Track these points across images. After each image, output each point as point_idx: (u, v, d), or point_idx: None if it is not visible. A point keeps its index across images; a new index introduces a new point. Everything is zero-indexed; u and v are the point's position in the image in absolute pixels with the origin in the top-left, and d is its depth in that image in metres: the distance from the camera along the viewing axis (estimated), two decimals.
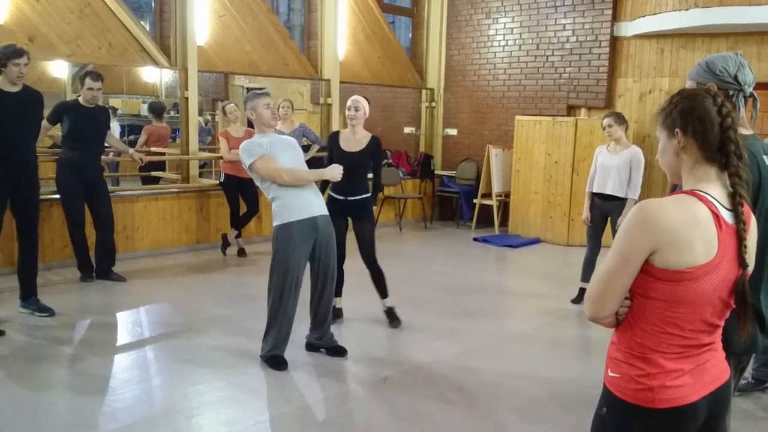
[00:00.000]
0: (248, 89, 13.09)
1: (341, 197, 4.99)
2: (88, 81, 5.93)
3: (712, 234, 1.63)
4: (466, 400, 3.96)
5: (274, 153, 4.18)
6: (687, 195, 1.68)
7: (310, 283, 4.46)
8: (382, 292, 5.18)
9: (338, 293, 5.24)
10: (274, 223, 4.25)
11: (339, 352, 4.61)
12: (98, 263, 6.35)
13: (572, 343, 5.34)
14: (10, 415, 3.59)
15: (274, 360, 4.33)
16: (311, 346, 4.65)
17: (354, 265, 5.26)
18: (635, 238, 1.63)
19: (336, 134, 5.11)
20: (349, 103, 4.99)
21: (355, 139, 4.99)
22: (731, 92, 2.32)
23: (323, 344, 4.63)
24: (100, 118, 6.13)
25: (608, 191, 5.78)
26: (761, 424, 3.81)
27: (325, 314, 4.54)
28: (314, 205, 4.28)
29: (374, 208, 5.30)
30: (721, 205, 1.67)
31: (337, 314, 5.21)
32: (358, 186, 4.99)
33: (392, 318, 5.22)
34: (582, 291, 6.03)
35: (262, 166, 4.15)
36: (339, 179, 4.46)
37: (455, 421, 3.69)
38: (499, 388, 4.15)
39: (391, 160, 10.57)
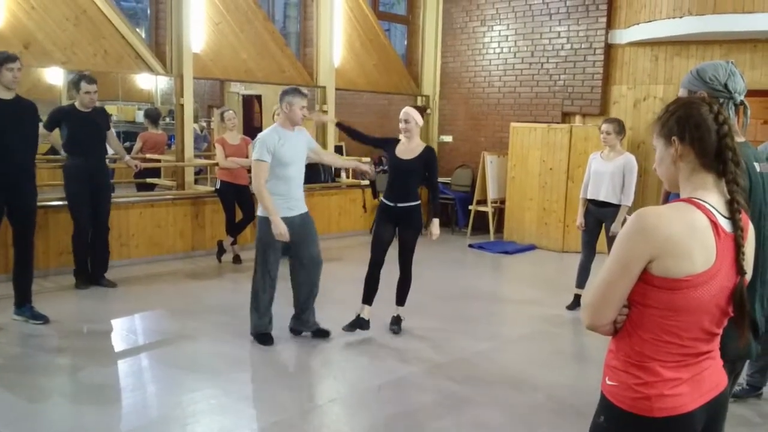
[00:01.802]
0: (244, 96, 13.11)
1: (391, 204, 5.10)
2: (83, 85, 5.93)
3: (711, 242, 1.62)
4: (460, 407, 3.95)
5: (284, 150, 4.65)
6: (685, 203, 1.68)
7: (294, 274, 4.96)
8: (401, 299, 5.27)
9: (369, 301, 5.19)
10: (259, 213, 4.77)
11: (323, 334, 5.05)
12: (92, 269, 6.33)
13: (567, 350, 5.35)
14: (3, 424, 3.56)
15: (262, 337, 4.85)
16: (295, 331, 5.06)
17: (362, 274, 5.22)
18: (633, 247, 1.62)
19: (397, 140, 5.18)
20: (400, 116, 5.10)
21: (409, 148, 5.08)
22: (721, 100, 2.34)
23: (309, 328, 5.05)
24: (98, 121, 6.13)
25: (602, 198, 5.80)
26: (758, 430, 3.82)
27: (312, 300, 5.01)
28: (297, 207, 4.82)
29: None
30: (719, 212, 1.66)
31: (363, 326, 5.15)
32: (408, 194, 5.09)
33: (395, 324, 5.28)
34: (577, 297, 6.04)
35: (256, 169, 4.68)
36: (283, 239, 4.64)
37: (450, 428, 3.68)
38: (495, 395, 4.15)
39: (386, 167, 10.55)
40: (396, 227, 5.15)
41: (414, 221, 5.13)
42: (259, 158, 4.62)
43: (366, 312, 5.16)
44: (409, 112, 5.10)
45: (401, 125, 5.09)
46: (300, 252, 4.89)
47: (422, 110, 5.15)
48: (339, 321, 5.24)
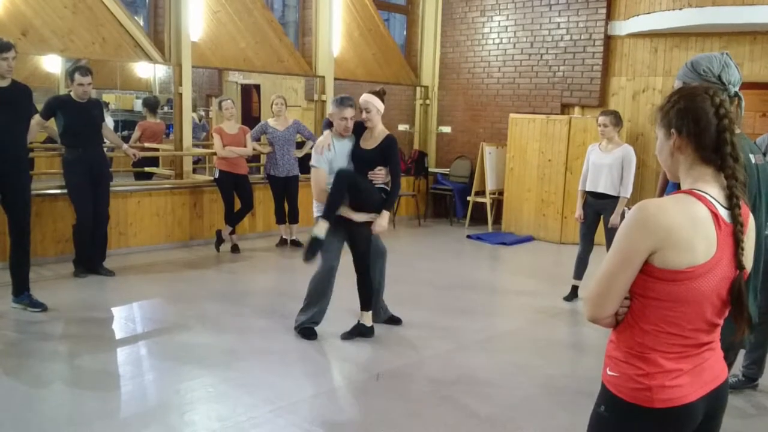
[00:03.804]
0: (242, 85, 13.09)
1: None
2: (77, 77, 5.92)
3: (712, 233, 1.63)
4: (458, 397, 3.96)
5: (334, 158, 4.69)
6: (685, 194, 1.68)
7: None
8: (362, 303, 4.88)
9: (366, 307, 4.87)
10: (317, 215, 4.76)
11: (395, 321, 5.19)
12: (90, 257, 6.34)
13: (564, 341, 5.36)
14: (3, 410, 3.58)
15: (308, 331, 4.81)
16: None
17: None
18: (635, 239, 1.62)
19: (362, 127, 4.80)
20: (360, 104, 4.73)
21: (372, 137, 4.76)
22: None
23: (379, 320, 5.10)
24: (94, 112, 6.13)
25: (600, 189, 5.80)
26: (753, 421, 3.84)
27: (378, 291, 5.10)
28: None
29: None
30: (719, 204, 1.66)
31: (367, 333, 4.86)
32: None
33: (355, 333, 4.88)
34: (574, 289, 6.06)
35: (315, 175, 4.71)
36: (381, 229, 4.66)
37: (447, 418, 3.70)
38: (492, 385, 4.17)
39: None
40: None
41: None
42: (317, 166, 4.67)
43: (367, 318, 4.87)
44: (368, 99, 4.69)
45: (363, 115, 4.70)
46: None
47: (381, 95, 4.78)
48: (334, 322, 5.10)
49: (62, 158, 6.24)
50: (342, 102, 4.65)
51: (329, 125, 4.79)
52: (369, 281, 4.84)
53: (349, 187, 4.59)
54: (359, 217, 4.63)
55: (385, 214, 4.70)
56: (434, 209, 10.66)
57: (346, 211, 4.62)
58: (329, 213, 4.56)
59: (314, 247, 4.58)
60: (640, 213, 1.63)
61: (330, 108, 4.75)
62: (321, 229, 4.54)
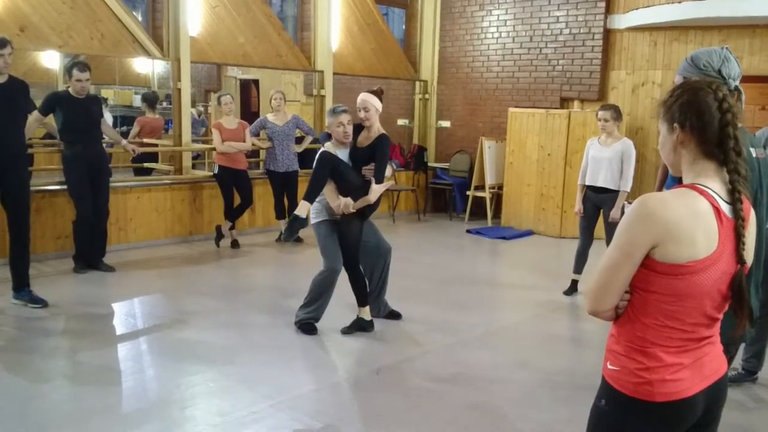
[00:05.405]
0: (241, 80, 13.06)
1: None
2: (75, 72, 5.91)
3: (713, 228, 1.63)
4: (458, 391, 3.97)
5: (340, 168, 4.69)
6: (687, 189, 1.67)
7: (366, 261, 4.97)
8: (358, 300, 4.90)
9: (363, 303, 4.88)
10: (315, 220, 4.81)
11: (395, 316, 5.20)
12: (90, 253, 6.34)
13: (564, 335, 5.37)
14: (2, 406, 3.58)
15: (308, 326, 4.82)
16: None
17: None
18: (636, 233, 1.62)
19: (361, 128, 4.82)
20: (358, 104, 4.74)
21: (368, 137, 4.78)
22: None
23: (380, 315, 5.12)
24: (92, 108, 6.12)
25: (600, 183, 5.79)
26: (753, 414, 3.85)
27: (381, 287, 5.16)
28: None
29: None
30: (721, 198, 1.66)
31: (366, 327, 4.88)
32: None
33: (355, 327, 4.89)
34: (574, 283, 6.06)
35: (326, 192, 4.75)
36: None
37: (448, 412, 3.70)
38: (492, 379, 4.17)
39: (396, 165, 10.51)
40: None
41: (355, 213, 4.70)
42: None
43: (365, 313, 4.89)
44: (366, 99, 4.70)
45: (360, 114, 4.71)
46: (369, 245, 4.96)
47: (379, 94, 4.79)
48: (334, 317, 5.06)
49: (61, 154, 6.24)
50: (335, 110, 4.70)
51: (328, 137, 4.82)
52: (359, 278, 4.84)
53: (331, 171, 4.66)
54: (339, 201, 4.61)
55: (348, 199, 4.62)
56: (434, 204, 10.65)
57: (329, 194, 4.67)
58: (310, 195, 4.64)
59: (294, 225, 4.69)
60: (642, 207, 1.63)
61: (328, 122, 4.76)
62: (302, 209, 4.62)
